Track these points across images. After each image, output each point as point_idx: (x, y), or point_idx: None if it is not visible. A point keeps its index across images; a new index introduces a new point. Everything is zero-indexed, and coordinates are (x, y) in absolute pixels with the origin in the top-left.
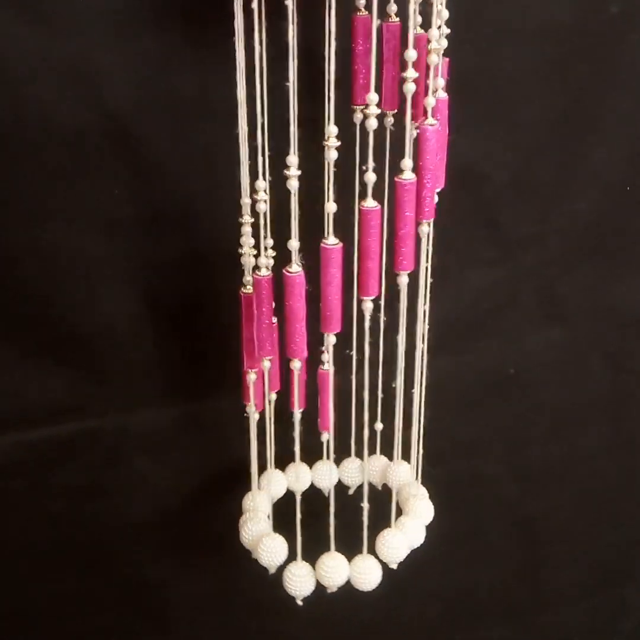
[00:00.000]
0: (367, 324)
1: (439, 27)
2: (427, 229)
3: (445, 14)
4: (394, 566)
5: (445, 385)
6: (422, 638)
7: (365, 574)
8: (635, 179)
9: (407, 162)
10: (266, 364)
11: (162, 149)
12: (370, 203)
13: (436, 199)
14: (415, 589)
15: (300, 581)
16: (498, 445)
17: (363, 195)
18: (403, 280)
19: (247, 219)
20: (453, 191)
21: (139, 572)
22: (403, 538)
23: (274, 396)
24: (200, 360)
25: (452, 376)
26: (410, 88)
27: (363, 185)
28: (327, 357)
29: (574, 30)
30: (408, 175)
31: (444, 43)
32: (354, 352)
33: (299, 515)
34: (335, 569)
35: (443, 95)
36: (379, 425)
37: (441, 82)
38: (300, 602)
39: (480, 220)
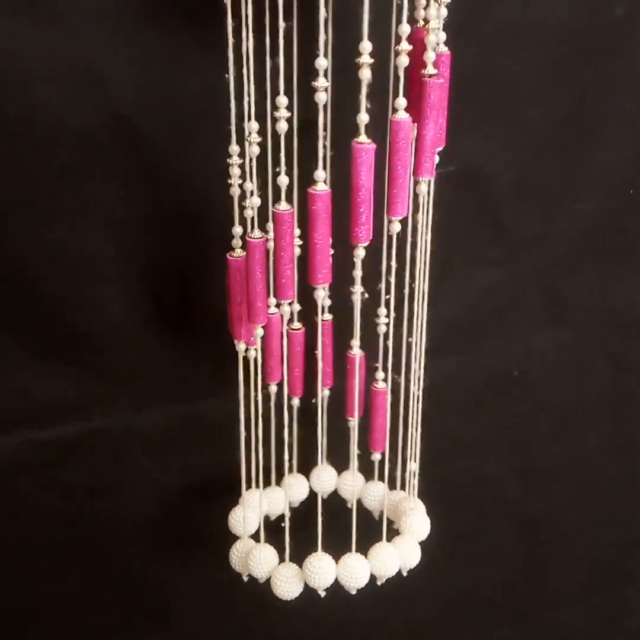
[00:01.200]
0: (358, 273)
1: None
2: (425, 188)
3: None
4: (381, 581)
5: (448, 385)
6: (423, 638)
7: (352, 571)
8: (639, 181)
9: (401, 101)
10: (259, 331)
11: (168, 149)
12: (363, 139)
13: (437, 159)
14: (416, 589)
15: (287, 582)
16: (500, 445)
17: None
18: (395, 227)
19: (236, 159)
20: (457, 192)
21: (142, 571)
22: (395, 553)
23: (274, 388)
24: (206, 360)
25: (455, 376)
26: (403, 62)
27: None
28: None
29: (578, 30)
30: (402, 114)
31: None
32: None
33: (287, 521)
34: (322, 570)
35: (444, 49)
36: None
37: (443, 35)
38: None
39: (484, 221)
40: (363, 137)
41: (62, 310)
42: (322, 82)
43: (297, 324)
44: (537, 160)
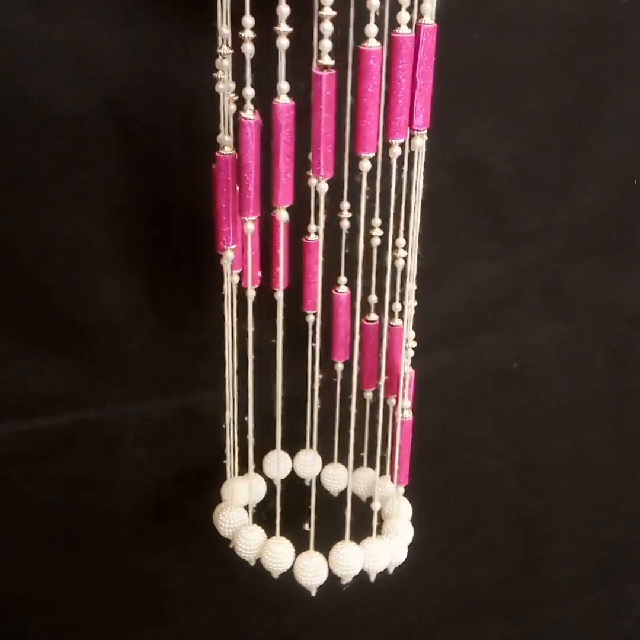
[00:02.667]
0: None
1: None
2: (421, 142)
3: None
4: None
5: (447, 379)
6: (421, 634)
7: (346, 559)
8: None
9: (404, 16)
10: (250, 226)
11: (163, 136)
12: (372, 43)
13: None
14: (414, 585)
15: (279, 558)
16: (498, 440)
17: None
18: (395, 151)
19: (226, 49)
20: (457, 184)
21: (137, 563)
22: (385, 547)
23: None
24: (200, 351)
25: (454, 370)
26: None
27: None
28: (408, 403)
29: (581, 21)
30: (405, 29)
31: None
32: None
33: (278, 498)
34: (314, 569)
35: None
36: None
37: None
38: (276, 576)
39: (483, 213)
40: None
41: (55, 300)
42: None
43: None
44: (538, 152)
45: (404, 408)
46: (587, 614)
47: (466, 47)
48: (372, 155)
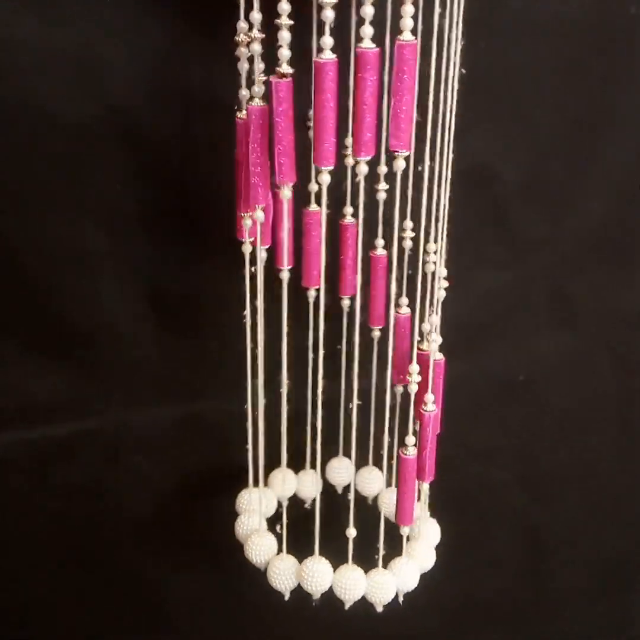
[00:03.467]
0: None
1: None
2: (402, 164)
3: None
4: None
5: (452, 389)
6: None
7: (351, 585)
8: None
9: (367, 30)
10: (287, 193)
11: (166, 142)
12: (327, 55)
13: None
14: (419, 596)
15: (284, 576)
16: (506, 450)
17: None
18: (362, 168)
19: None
20: (463, 191)
21: (138, 571)
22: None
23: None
24: (202, 359)
25: (459, 380)
26: None
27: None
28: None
29: (591, 27)
30: (408, 36)
31: None
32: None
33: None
34: (318, 575)
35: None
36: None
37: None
38: (286, 597)
39: (490, 221)
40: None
41: (55, 305)
42: None
43: None
44: (546, 159)
45: (428, 401)
46: (592, 626)
47: (473, 54)
48: (331, 168)
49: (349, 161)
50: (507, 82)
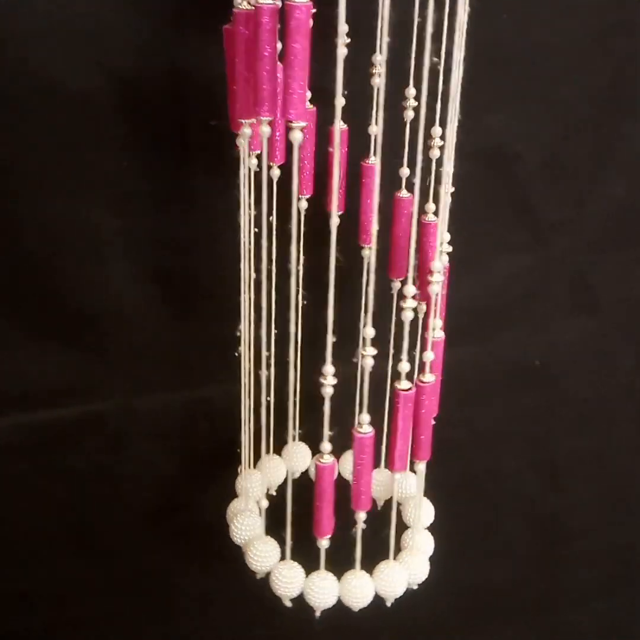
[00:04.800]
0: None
1: None
2: (298, 136)
3: None
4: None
5: (466, 374)
6: (432, 636)
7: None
8: None
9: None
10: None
11: (175, 117)
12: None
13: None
14: (426, 585)
15: (290, 583)
16: (519, 438)
17: None
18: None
19: None
20: (482, 171)
21: (143, 559)
22: (402, 572)
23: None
24: (211, 343)
25: (475, 366)
26: None
27: None
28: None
29: (616, 1)
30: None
31: None
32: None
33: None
34: (324, 590)
35: None
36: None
37: None
38: (288, 604)
39: (510, 203)
40: None
41: (61, 289)
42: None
43: None
44: (569, 139)
45: (436, 327)
46: (604, 618)
47: (495, 29)
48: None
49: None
50: (530, 59)
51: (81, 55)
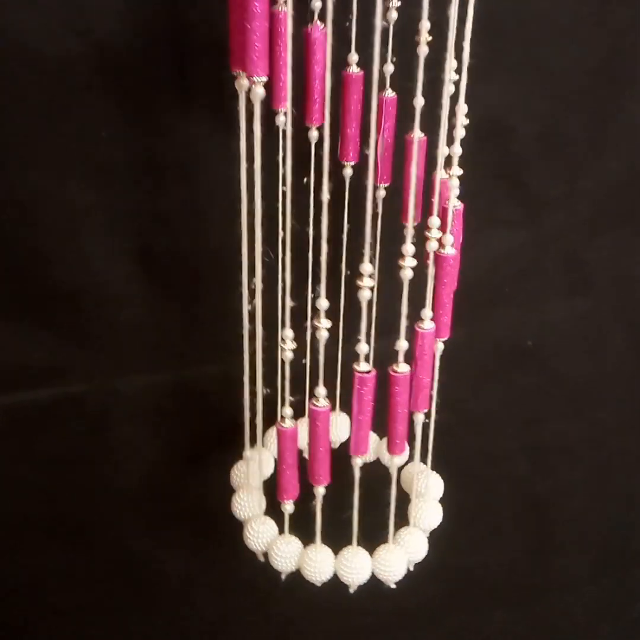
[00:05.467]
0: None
1: None
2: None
3: None
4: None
5: (458, 355)
6: (421, 619)
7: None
8: None
9: None
10: None
11: (158, 85)
12: None
13: None
14: (416, 568)
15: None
16: (511, 420)
17: None
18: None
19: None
20: (474, 145)
21: (128, 546)
22: (401, 554)
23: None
24: (195, 323)
25: (466, 346)
26: None
27: None
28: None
29: None
30: None
31: None
32: None
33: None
34: (320, 564)
35: None
36: None
37: None
38: (283, 577)
39: (502, 178)
40: None
41: (38, 265)
42: None
43: None
44: (565, 112)
45: (446, 243)
46: (597, 601)
47: None
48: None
49: None
50: (525, 28)
51: (56, 18)
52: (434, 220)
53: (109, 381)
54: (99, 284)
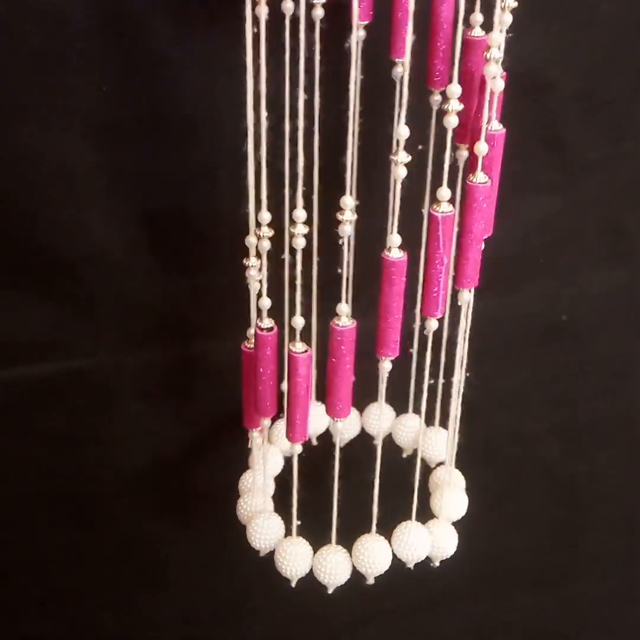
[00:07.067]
0: None
1: None
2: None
3: None
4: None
5: (488, 330)
6: (445, 604)
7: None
8: None
9: None
10: None
11: (162, 35)
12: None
13: None
14: None
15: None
16: (541, 399)
17: None
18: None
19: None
20: (510, 102)
21: (134, 526)
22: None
23: None
24: (204, 295)
25: (496, 320)
26: None
27: None
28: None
29: None
30: None
31: None
32: None
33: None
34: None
35: None
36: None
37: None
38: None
39: (540, 139)
40: None
41: (36, 234)
42: None
43: None
44: (609, 65)
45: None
46: (626, 587)
47: None
48: None
49: None
50: None
51: None
52: (454, 87)
53: (114, 356)
54: (102, 253)
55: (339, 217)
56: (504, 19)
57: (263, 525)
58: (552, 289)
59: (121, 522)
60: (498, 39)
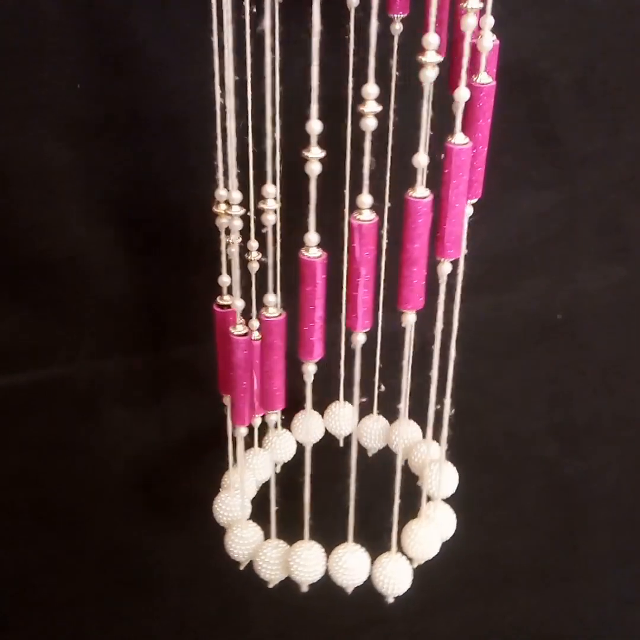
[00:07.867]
0: None
1: None
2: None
3: None
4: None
5: (482, 328)
6: (442, 606)
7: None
8: None
9: None
10: None
11: (139, 30)
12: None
13: None
14: (439, 556)
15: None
16: (538, 398)
17: None
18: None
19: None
20: (501, 94)
21: (119, 533)
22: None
23: None
24: (187, 297)
25: (491, 319)
26: None
27: None
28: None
29: None
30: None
31: None
32: None
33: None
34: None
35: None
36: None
37: None
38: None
39: (533, 131)
40: None
41: (10, 234)
42: None
43: None
44: (604, 56)
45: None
46: (625, 588)
47: None
48: None
49: None
50: None
51: None
52: (431, 37)
53: (94, 362)
54: (81, 255)
55: (262, 206)
56: None
57: (240, 536)
58: (547, 286)
59: (105, 529)
60: None
